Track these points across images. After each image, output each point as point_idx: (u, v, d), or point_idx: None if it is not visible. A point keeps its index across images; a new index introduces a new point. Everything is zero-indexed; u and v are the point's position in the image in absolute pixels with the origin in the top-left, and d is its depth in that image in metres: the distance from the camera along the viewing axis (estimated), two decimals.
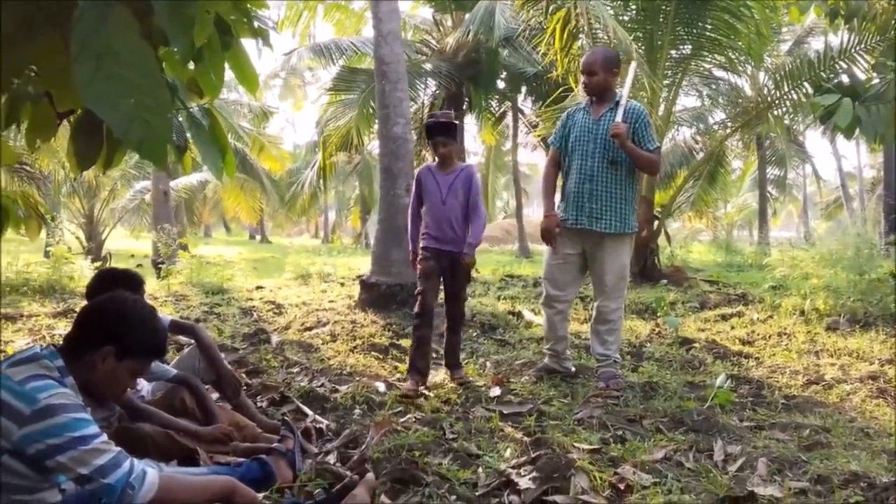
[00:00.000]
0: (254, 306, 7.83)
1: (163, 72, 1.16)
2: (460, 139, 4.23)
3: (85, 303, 2.46)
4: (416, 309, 4.41)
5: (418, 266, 4.46)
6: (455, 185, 4.39)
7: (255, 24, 2.27)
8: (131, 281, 3.04)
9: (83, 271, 10.04)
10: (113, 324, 2.05)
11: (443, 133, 4.37)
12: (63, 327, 6.28)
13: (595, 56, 4.45)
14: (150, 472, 1.94)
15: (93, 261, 11.44)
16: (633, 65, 4.84)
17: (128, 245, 20.28)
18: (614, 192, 4.26)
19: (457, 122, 4.20)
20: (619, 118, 4.15)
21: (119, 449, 1.92)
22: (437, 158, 4.53)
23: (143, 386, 3.31)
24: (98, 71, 1.07)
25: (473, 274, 4.36)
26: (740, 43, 9.20)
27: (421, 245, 4.48)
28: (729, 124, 11.25)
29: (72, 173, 4.11)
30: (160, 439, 2.80)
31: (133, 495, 1.87)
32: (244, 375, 4.30)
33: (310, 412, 3.67)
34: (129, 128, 1.08)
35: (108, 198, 17.68)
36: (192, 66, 2.20)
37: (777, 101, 9.85)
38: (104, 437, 1.90)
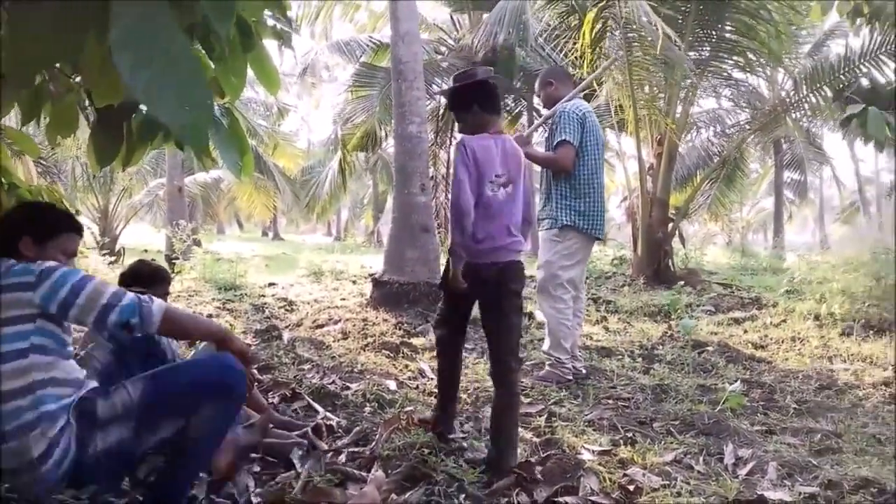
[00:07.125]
0: (266, 303, 7.88)
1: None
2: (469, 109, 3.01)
3: None
4: None
5: None
6: None
7: (277, 25, 2.30)
8: (161, 274, 3.37)
9: (97, 266, 10.15)
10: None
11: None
12: None
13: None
14: (156, 300, 2.14)
15: (106, 255, 11.53)
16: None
17: (142, 241, 20.41)
18: (548, 193, 4.61)
19: (460, 83, 3.05)
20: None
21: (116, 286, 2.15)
22: None
23: None
24: (139, 62, 1.09)
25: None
26: (759, 44, 9.12)
27: None
28: (747, 127, 11.18)
29: (91, 170, 4.15)
30: None
31: (149, 308, 2.07)
32: (256, 371, 4.33)
33: (321, 409, 3.70)
34: (174, 116, 1.11)
35: (122, 194, 17.84)
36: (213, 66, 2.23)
37: (796, 104, 9.78)
38: (99, 278, 2.11)
